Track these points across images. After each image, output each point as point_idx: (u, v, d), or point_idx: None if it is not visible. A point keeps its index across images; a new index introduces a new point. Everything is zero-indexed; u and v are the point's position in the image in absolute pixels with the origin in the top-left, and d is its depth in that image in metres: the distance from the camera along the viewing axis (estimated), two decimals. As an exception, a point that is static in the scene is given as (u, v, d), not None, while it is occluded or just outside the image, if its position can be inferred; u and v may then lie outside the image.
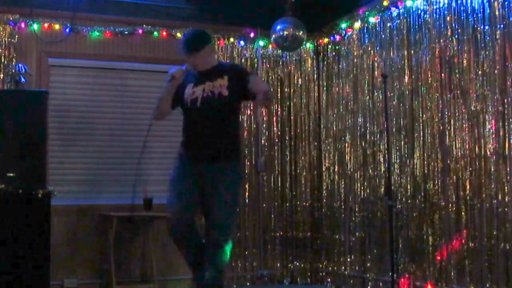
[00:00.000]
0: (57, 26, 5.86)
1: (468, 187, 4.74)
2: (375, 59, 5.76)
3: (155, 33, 6.16)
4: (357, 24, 5.96)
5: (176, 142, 5.71)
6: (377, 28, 5.73)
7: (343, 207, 6.11)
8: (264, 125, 6.45)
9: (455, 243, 4.81)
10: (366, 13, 5.79)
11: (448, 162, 4.91)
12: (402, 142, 5.39)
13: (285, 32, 5.87)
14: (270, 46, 6.47)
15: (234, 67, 4.67)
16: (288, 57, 6.62)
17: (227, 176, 4.26)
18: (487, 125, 4.60)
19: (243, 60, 6.43)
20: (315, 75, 6.62)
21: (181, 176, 4.34)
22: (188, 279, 6.00)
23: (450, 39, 4.94)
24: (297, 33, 5.88)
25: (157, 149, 6.14)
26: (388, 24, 5.58)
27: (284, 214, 6.47)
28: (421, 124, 5.20)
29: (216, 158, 4.25)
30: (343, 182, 6.14)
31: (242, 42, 6.44)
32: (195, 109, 4.30)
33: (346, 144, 6.11)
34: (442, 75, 5.01)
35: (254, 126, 6.37)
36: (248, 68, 6.41)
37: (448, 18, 4.96)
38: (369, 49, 5.84)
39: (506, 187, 4.43)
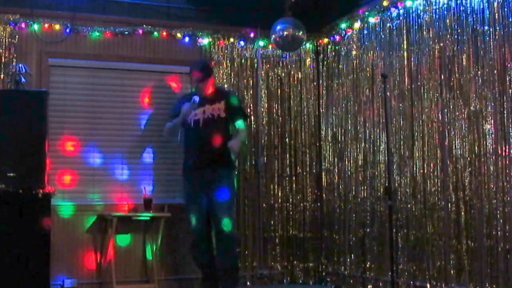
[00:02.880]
0: (57, 26, 5.86)
1: (468, 187, 4.74)
2: (375, 59, 5.77)
3: (155, 33, 6.16)
4: (357, 25, 5.96)
5: (174, 146, 5.80)
6: (377, 28, 5.74)
7: (343, 207, 6.11)
8: (264, 125, 6.45)
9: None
10: (366, 13, 5.80)
11: (448, 162, 4.92)
12: (402, 142, 5.39)
13: (285, 32, 5.87)
14: (270, 46, 6.47)
15: (228, 94, 5.68)
16: (288, 57, 6.62)
17: (226, 180, 5.33)
18: (487, 125, 4.60)
19: (243, 61, 6.43)
20: (315, 75, 6.62)
21: (191, 191, 5.40)
22: (188, 279, 6.01)
23: (449, 39, 4.94)
24: (297, 33, 5.88)
25: (158, 149, 6.15)
26: (388, 25, 5.59)
27: (284, 214, 6.47)
28: (421, 124, 5.20)
29: (217, 167, 5.30)
30: (343, 182, 6.15)
31: (242, 42, 6.43)
32: (198, 129, 5.33)
33: (346, 144, 6.11)
34: (442, 75, 5.02)
35: (254, 126, 6.37)
36: (248, 68, 6.42)
37: (447, 19, 4.96)
38: (369, 49, 5.84)
39: (506, 187, 4.44)
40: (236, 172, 5.68)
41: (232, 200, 5.45)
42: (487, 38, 4.61)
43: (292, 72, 6.64)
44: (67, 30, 5.89)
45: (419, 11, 5.25)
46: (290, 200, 6.49)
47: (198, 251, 5.44)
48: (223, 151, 5.30)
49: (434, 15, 5.10)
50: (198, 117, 5.36)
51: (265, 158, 6.36)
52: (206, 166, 5.29)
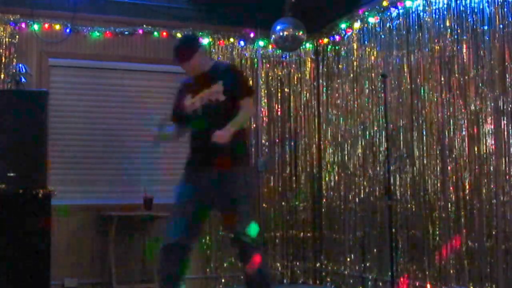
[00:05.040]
0: (57, 26, 5.87)
1: (467, 187, 4.74)
2: (375, 59, 5.77)
3: (155, 33, 6.17)
4: (357, 25, 5.96)
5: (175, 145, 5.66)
6: (377, 29, 5.74)
7: (343, 207, 6.11)
8: (264, 125, 6.46)
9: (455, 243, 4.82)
10: (366, 13, 5.80)
11: (448, 162, 4.92)
12: (402, 142, 5.39)
13: (285, 33, 5.87)
14: (270, 46, 6.47)
15: (225, 69, 4.42)
16: (288, 57, 6.63)
17: (238, 180, 4.17)
18: (487, 125, 4.60)
19: (243, 61, 6.43)
20: (315, 75, 6.62)
21: (188, 189, 4.23)
22: (188, 279, 6.01)
23: (449, 39, 4.94)
24: (297, 33, 5.89)
25: (158, 148, 6.15)
26: (388, 25, 5.59)
27: (284, 214, 6.47)
28: (421, 124, 5.20)
29: (220, 168, 4.15)
30: (343, 182, 6.15)
31: (242, 42, 6.44)
32: (197, 119, 4.24)
33: (346, 144, 6.11)
34: (442, 75, 5.02)
35: (254, 126, 6.37)
36: (248, 68, 6.43)
37: (447, 19, 4.96)
38: (369, 49, 5.84)
39: (506, 187, 4.44)
40: (250, 165, 4.63)
41: (247, 209, 4.19)
42: (487, 38, 4.61)
43: (292, 72, 6.64)
44: (67, 30, 5.90)
45: (419, 11, 5.25)
46: (290, 200, 6.49)
47: (167, 260, 4.17)
48: (229, 145, 4.10)
49: (434, 15, 5.10)
50: (196, 106, 4.27)
51: (266, 159, 6.37)
52: (206, 166, 4.16)
